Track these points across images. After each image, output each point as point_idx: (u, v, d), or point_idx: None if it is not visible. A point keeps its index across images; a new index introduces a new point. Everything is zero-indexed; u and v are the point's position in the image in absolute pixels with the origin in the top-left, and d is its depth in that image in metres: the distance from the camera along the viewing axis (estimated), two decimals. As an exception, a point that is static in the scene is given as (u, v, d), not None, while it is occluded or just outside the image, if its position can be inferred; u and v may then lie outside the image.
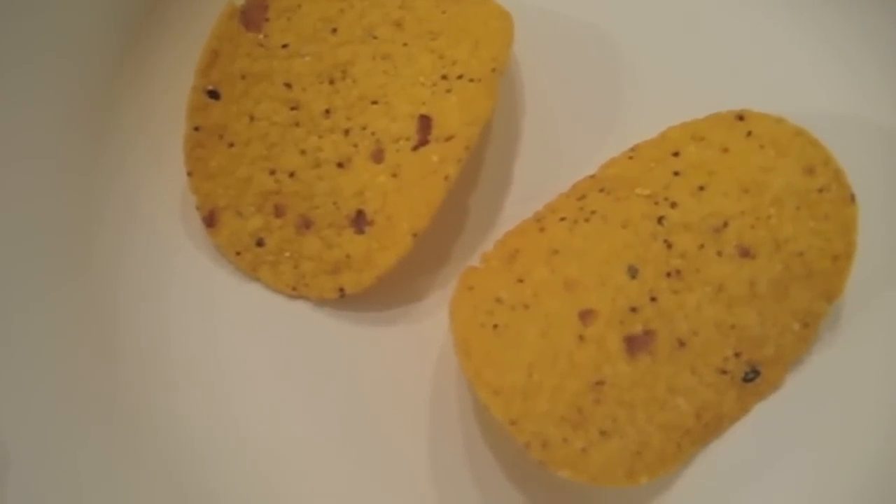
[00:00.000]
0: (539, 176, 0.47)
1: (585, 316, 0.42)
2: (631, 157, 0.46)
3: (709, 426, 0.43)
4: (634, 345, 0.42)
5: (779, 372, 0.44)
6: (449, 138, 0.44)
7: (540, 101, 0.49)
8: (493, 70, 0.45)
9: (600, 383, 0.41)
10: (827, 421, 0.45)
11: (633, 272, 0.43)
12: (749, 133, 0.45)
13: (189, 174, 0.46)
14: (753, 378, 0.43)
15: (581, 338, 0.42)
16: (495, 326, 0.42)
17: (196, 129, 0.46)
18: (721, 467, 0.44)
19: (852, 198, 0.44)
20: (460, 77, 0.45)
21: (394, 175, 0.45)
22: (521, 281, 0.43)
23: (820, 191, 0.44)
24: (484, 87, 0.44)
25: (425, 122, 0.45)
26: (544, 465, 0.40)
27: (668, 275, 0.43)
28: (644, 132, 0.46)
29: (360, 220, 0.45)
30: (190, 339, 0.46)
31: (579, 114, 0.48)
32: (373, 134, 0.46)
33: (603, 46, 0.49)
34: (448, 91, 0.45)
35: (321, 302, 0.46)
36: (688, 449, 0.43)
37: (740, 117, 0.45)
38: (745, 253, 0.44)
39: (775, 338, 0.44)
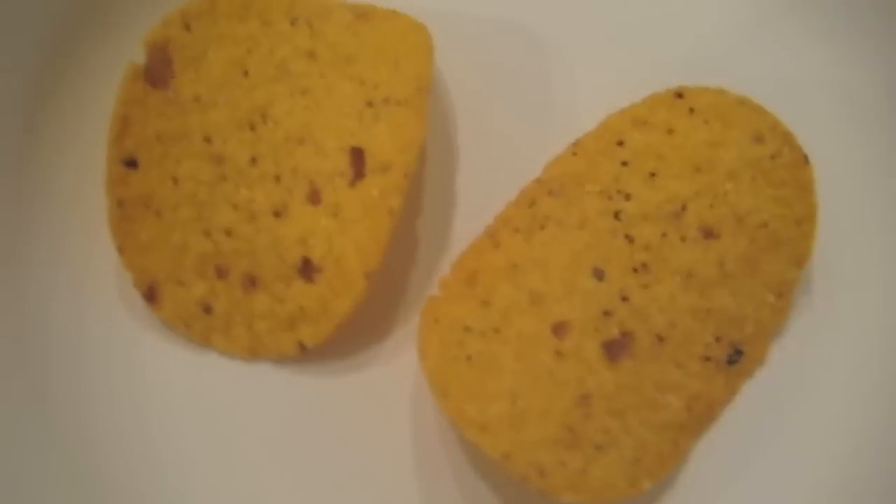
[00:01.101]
0: (483, 188, 0.45)
1: (559, 329, 0.41)
2: (575, 154, 0.44)
3: (701, 417, 0.42)
4: (614, 350, 0.41)
5: (761, 348, 0.43)
6: (385, 168, 0.42)
7: (470, 111, 0.47)
8: (419, 89, 0.43)
9: (586, 397, 0.40)
10: (815, 387, 0.44)
11: (598, 274, 0.42)
12: (691, 110, 0.43)
13: (120, 251, 0.43)
14: (738, 359, 0.42)
15: (558, 353, 0.40)
16: (468, 358, 0.40)
17: (119, 203, 0.43)
18: (718, 454, 0.43)
19: (805, 159, 0.43)
20: (386, 101, 0.43)
21: (334, 215, 0.43)
22: (486, 303, 0.41)
23: (772, 157, 0.43)
24: (412, 109, 0.42)
25: (357, 155, 0.43)
26: (544, 493, 0.38)
27: (635, 270, 0.42)
28: (584, 124, 0.44)
29: (307, 268, 0.43)
30: (151, 423, 0.43)
31: (513, 117, 0.46)
32: (305, 175, 0.43)
33: (525, 43, 0.47)
34: (376, 118, 0.43)
35: (281, 361, 0.44)
36: (685, 444, 0.41)
37: (679, 94, 0.44)
38: (709, 233, 0.42)
39: (753, 314, 0.42)
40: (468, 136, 0.46)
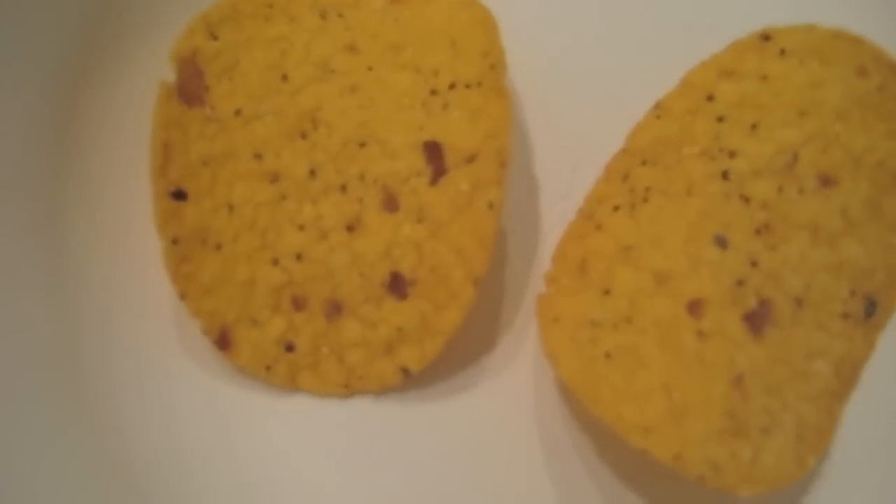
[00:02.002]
0: (564, 168, 0.41)
1: (694, 308, 0.37)
2: (660, 117, 0.40)
3: (849, 379, 0.38)
4: (755, 321, 0.37)
5: (893, 296, 0.39)
6: (471, 159, 0.37)
7: (535, 87, 0.42)
8: (492, 67, 0.38)
9: (740, 377, 0.36)
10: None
11: (721, 242, 0.38)
12: (782, 51, 0.40)
13: (182, 297, 0.37)
14: (873, 311, 0.39)
15: (701, 334, 0.36)
16: (608, 355, 0.36)
17: (174, 241, 0.37)
18: (864, 417, 0.40)
19: (914, 86, 0.39)
20: (452, 87, 0.38)
21: (419, 220, 0.38)
22: (607, 292, 0.37)
23: (879, 90, 0.39)
24: (490, 90, 0.38)
25: (433, 149, 0.38)
26: (722, 490, 0.34)
27: (758, 232, 0.38)
28: (661, 84, 0.40)
29: (398, 284, 0.38)
30: (246, 481, 0.38)
31: (582, 88, 0.42)
32: (375, 181, 0.38)
33: (585, 7, 0.43)
34: (445, 106, 0.38)
35: (382, 392, 0.38)
36: (837, 412, 0.38)
37: (766, 37, 0.40)
38: (826, 181, 0.39)
39: (882, 260, 0.39)
40: (536, 113, 0.42)
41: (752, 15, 0.41)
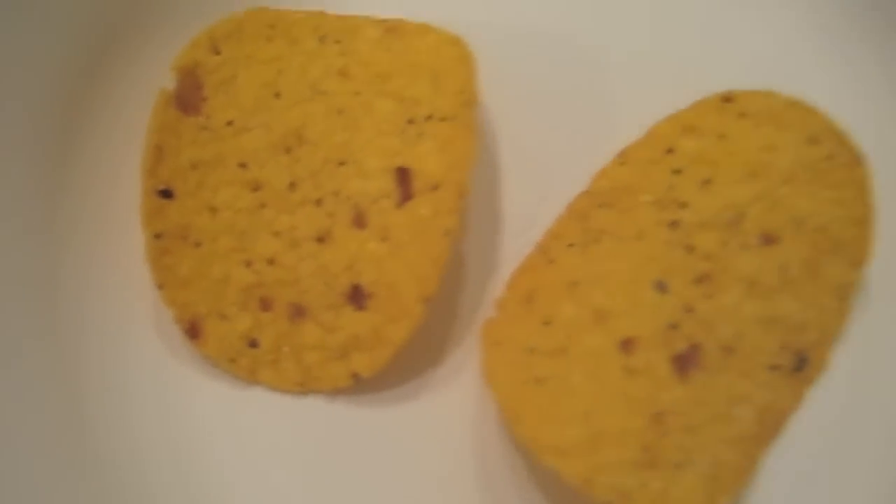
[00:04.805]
0: (529, 204, 0.44)
1: (626, 345, 0.39)
2: (623, 164, 0.43)
3: (772, 427, 0.40)
4: (683, 363, 0.39)
5: (824, 353, 0.42)
6: (435, 187, 0.40)
7: (510, 124, 0.45)
8: (465, 104, 0.41)
9: (661, 414, 0.38)
10: (877, 390, 0.43)
11: (661, 287, 0.40)
12: (741, 114, 0.42)
13: (160, 287, 0.41)
14: (803, 366, 0.41)
15: (628, 370, 0.39)
16: (538, 381, 0.38)
17: (157, 236, 0.41)
18: (787, 465, 0.42)
19: (861, 158, 0.42)
20: (429, 118, 0.41)
21: (383, 239, 0.41)
22: (548, 323, 0.40)
23: (828, 158, 0.42)
24: (460, 125, 0.41)
25: (404, 174, 0.41)
26: (628, 517, 0.37)
27: (698, 280, 0.40)
28: (629, 133, 0.43)
29: (357, 295, 0.41)
30: (198, 464, 0.41)
31: (555, 128, 0.45)
32: (348, 198, 0.42)
33: (563, 52, 0.46)
34: (419, 135, 0.41)
35: (334, 393, 0.42)
36: (757, 457, 0.40)
37: (728, 99, 0.43)
38: (769, 239, 0.41)
39: (815, 319, 0.41)
40: (509, 150, 0.45)
41: (717, 77, 0.43)
